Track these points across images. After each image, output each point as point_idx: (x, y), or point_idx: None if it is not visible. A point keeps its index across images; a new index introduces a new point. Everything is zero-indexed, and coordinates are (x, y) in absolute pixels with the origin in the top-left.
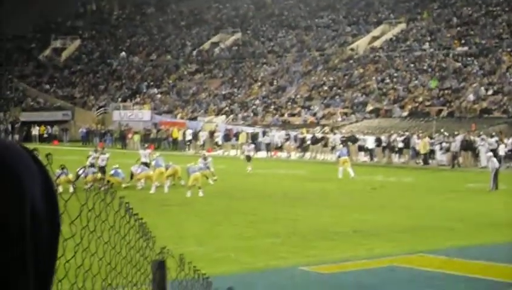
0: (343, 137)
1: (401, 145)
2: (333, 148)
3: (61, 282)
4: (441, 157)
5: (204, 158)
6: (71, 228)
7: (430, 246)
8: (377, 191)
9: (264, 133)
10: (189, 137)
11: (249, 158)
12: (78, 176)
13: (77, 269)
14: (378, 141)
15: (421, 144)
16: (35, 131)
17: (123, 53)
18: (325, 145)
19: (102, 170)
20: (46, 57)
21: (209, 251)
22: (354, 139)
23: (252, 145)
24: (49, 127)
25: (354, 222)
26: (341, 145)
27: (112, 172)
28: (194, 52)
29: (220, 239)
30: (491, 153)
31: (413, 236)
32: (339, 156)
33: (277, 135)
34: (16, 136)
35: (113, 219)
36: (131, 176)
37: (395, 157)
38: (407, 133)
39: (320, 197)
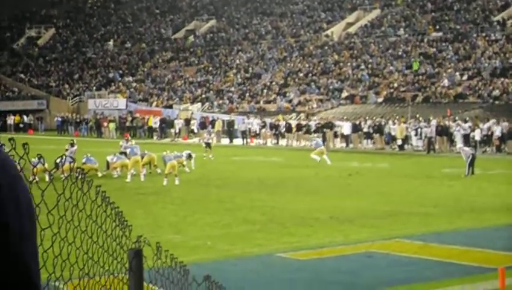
0: (319, 124)
1: (376, 131)
2: (309, 134)
3: (39, 272)
4: (416, 142)
5: (188, 156)
6: (48, 217)
7: (406, 232)
8: (353, 178)
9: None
10: (155, 125)
11: (208, 145)
12: (56, 165)
13: (55, 258)
14: (354, 127)
15: (397, 130)
16: (10, 120)
17: (111, 42)
18: (303, 131)
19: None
20: (20, 46)
21: (186, 239)
22: (330, 126)
23: (213, 134)
24: (24, 116)
25: (330, 208)
26: (315, 135)
27: (84, 160)
28: (169, 40)
29: (197, 227)
30: (461, 145)
31: (389, 222)
32: (315, 147)
33: (253, 122)
34: None
35: (90, 208)
36: (107, 165)
37: (371, 143)
38: (382, 119)
39: (297, 184)
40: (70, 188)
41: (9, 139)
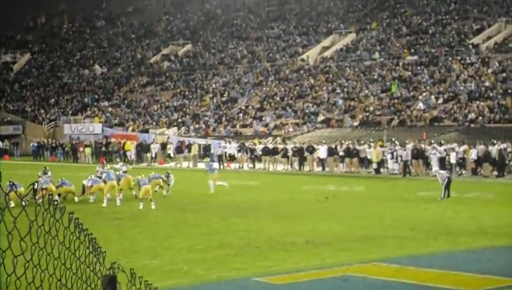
0: (295, 148)
1: (352, 154)
2: (287, 158)
3: None
4: (392, 166)
5: (167, 176)
6: (21, 244)
7: (383, 255)
8: (329, 201)
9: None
10: (133, 150)
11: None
12: (33, 190)
13: (27, 285)
14: (330, 151)
15: (373, 153)
16: None
17: (96, 66)
18: (280, 155)
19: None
20: None
21: (163, 264)
22: (311, 150)
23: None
24: None
25: (306, 232)
26: (208, 159)
27: (59, 183)
28: (144, 65)
29: (173, 251)
30: (437, 168)
31: (366, 245)
32: (210, 172)
33: (229, 146)
34: None
35: (63, 235)
36: (83, 189)
37: (347, 167)
38: (357, 143)
39: (273, 207)
40: (43, 215)
41: None
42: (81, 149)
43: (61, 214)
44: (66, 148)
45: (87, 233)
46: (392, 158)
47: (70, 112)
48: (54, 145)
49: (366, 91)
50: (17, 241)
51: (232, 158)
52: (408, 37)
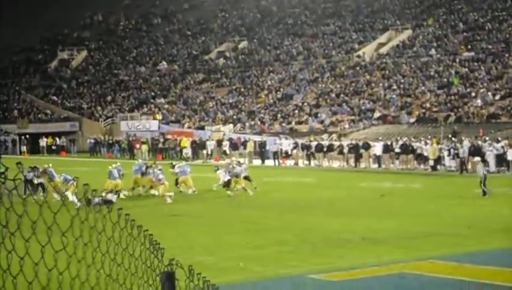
0: (351, 144)
1: (408, 151)
2: (342, 154)
3: None
4: (449, 163)
5: (239, 164)
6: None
7: (440, 252)
8: (385, 198)
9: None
10: (189, 148)
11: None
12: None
13: (71, 280)
14: (386, 148)
15: (430, 150)
16: (43, 142)
17: (164, 62)
18: (336, 152)
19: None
20: (53, 68)
21: (218, 260)
22: (366, 146)
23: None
24: (56, 138)
25: (362, 229)
26: (183, 162)
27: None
28: (200, 62)
29: (229, 248)
30: (478, 158)
31: (422, 243)
32: (180, 175)
33: (284, 143)
34: (24, 148)
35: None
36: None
37: (403, 164)
38: (414, 140)
39: (329, 204)
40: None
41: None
42: (137, 146)
43: (109, 211)
44: (123, 145)
45: (142, 229)
46: (449, 155)
47: (126, 109)
48: (110, 142)
49: (423, 87)
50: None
51: (287, 155)
52: (465, 34)
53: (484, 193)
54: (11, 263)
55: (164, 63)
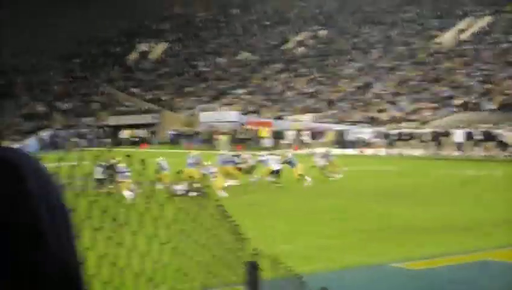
0: (432, 132)
1: (489, 138)
2: (423, 142)
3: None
4: None
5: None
6: (167, 231)
7: None
8: (467, 185)
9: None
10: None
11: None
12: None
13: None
14: (467, 135)
15: (510, 137)
16: (123, 135)
17: (247, 53)
18: (416, 139)
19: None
20: (132, 60)
21: (298, 249)
22: (446, 134)
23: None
24: (136, 130)
25: (444, 216)
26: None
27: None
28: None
29: (309, 237)
30: None
31: (505, 229)
32: (190, 166)
33: (364, 132)
34: (107, 140)
35: (209, 222)
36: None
37: (484, 151)
38: (494, 126)
39: (410, 192)
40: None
41: (127, 156)
42: (218, 137)
43: (207, 203)
44: (203, 136)
45: (230, 220)
46: None
47: (206, 100)
48: (190, 133)
49: (504, 74)
50: (164, 229)
51: (367, 144)
52: None
53: None
54: (118, 255)
55: (243, 53)
